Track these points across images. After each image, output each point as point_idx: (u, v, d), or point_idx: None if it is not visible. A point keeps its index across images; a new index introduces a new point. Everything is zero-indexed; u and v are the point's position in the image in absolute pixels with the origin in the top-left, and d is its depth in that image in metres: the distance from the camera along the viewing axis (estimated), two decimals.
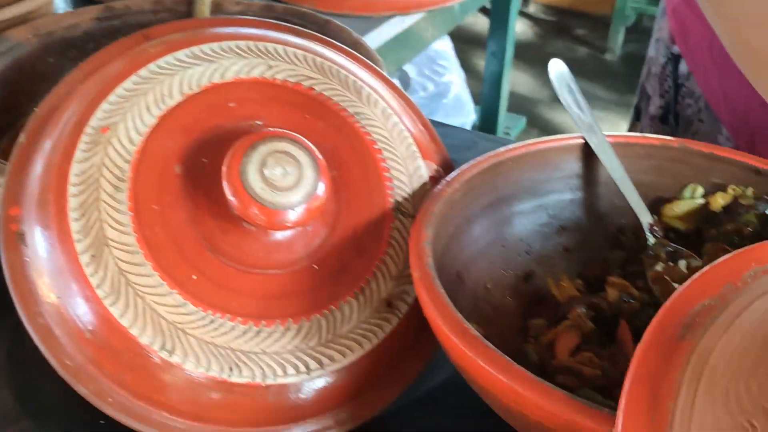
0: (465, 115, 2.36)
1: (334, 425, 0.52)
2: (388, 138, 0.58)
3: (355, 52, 0.62)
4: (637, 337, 0.56)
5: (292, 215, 0.50)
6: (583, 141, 0.63)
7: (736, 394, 0.35)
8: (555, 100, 0.83)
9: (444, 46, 2.33)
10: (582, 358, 0.53)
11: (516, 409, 0.42)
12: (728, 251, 0.58)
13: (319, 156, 0.51)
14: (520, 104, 2.96)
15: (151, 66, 0.55)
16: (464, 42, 3.38)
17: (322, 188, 0.51)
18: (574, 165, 0.64)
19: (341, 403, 0.53)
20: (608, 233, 0.65)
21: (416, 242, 0.51)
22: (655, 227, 0.60)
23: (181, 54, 0.56)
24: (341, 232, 0.54)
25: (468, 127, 2.34)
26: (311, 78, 0.58)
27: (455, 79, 2.30)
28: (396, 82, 2.19)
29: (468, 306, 0.57)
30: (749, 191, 0.61)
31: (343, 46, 0.62)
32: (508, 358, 0.42)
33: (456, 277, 0.57)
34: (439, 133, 0.92)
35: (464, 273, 0.58)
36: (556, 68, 0.67)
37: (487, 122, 2.47)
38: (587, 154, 0.64)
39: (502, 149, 0.61)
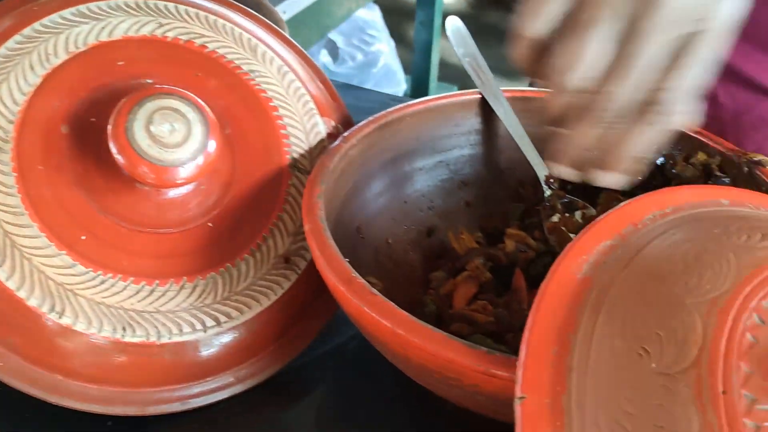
0: (395, 84, 2.36)
1: (235, 382, 0.53)
2: (284, 95, 0.58)
3: (252, 11, 0.61)
4: (532, 285, 0.58)
5: (182, 172, 0.49)
6: (482, 96, 0.64)
7: (632, 323, 0.36)
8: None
9: (373, 15, 2.32)
10: (477, 306, 0.54)
11: (401, 353, 0.43)
12: (621, 200, 0.60)
13: (210, 113, 0.51)
14: (452, 74, 2.98)
15: (36, 25, 0.54)
16: (394, 11, 3.36)
17: (212, 145, 0.50)
18: (473, 120, 0.65)
19: (242, 360, 0.53)
20: (509, 187, 0.66)
21: (309, 196, 0.51)
22: (551, 179, 0.62)
23: (66, 12, 0.55)
24: (236, 190, 0.54)
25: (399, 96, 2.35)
26: (204, 36, 0.57)
27: (384, 48, 2.29)
28: (324, 52, 2.17)
29: (368, 260, 0.57)
30: None
31: (238, 4, 0.61)
32: (390, 302, 0.43)
33: (355, 231, 0.57)
34: (355, 97, 0.93)
35: (364, 228, 0.58)
36: (452, 24, 0.67)
37: (418, 92, 2.47)
38: (486, 109, 0.65)
39: (401, 105, 0.62)
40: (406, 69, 2.52)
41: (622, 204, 0.44)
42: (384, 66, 2.25)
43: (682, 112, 0.45)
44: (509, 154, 0.66)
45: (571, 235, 0.59)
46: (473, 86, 0.65)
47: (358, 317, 0.44)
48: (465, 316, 0.53)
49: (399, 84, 2.34)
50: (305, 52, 0.62)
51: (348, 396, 0.56)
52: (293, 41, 0.62)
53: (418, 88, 2.45)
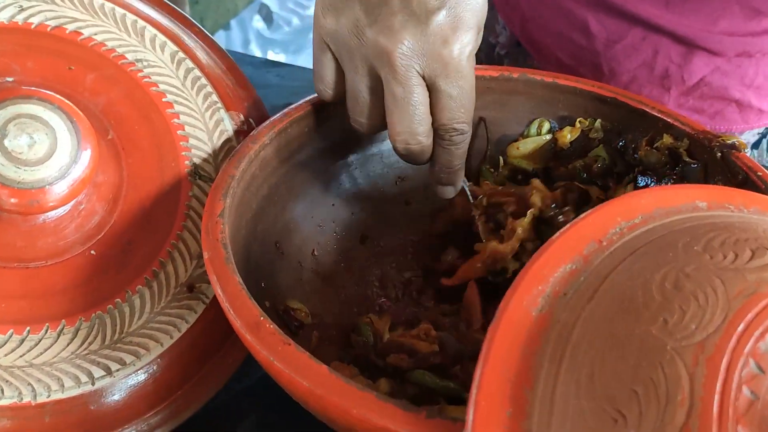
0: None
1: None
2: (179, 88, 0.49)
3: None
4: (486, 298, 0.50)
5: (50, 194, 0.40)
6: None
7: (602, 376, 0.29)
8: None
9: None
10: (419, 330, 0.46)
11: (322, 413, 0.35)
12: (580, 188, 0.53)
13: (81, 116, 0.42)
14: None
15: None
16: None
17: (86, 156, 0.41)
18: None
19: (145, 410, 0.44)
20: None
21: (209, 215, 0.42)
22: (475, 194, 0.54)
23: None
24: (125, 208, 0.45)
25: None
26: (77, 20, 0.47)
27: None
28: (257, 17, 2.05)
29: (290, 281, 0.49)
30: (597, 123, 0.55)
31: None
32: (305, 353, 0.34)
33: (274, 248, 0.49)
34: (275, 75, 0.83)
35: (284, 242, 0.50)
36: None
37: None
38: None
39: None
40: None
41: (582, 216, 0.37)
42: None
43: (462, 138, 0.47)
44: None
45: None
46: None
47: (269, 369, 0.36)
48: (403, 346, 0.45)
49: None
50: (206, 32, 0.53)
51: None
52: (191, 20, 0.53)
53: None
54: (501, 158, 0.57)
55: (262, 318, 0.36)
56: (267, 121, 0.49)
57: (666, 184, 0.52)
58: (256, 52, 1.93)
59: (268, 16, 2.11)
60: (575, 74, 0.71)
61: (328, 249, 0.53)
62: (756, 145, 0.75)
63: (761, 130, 0.73)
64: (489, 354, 0.32)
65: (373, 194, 0.56)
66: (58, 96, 0.41)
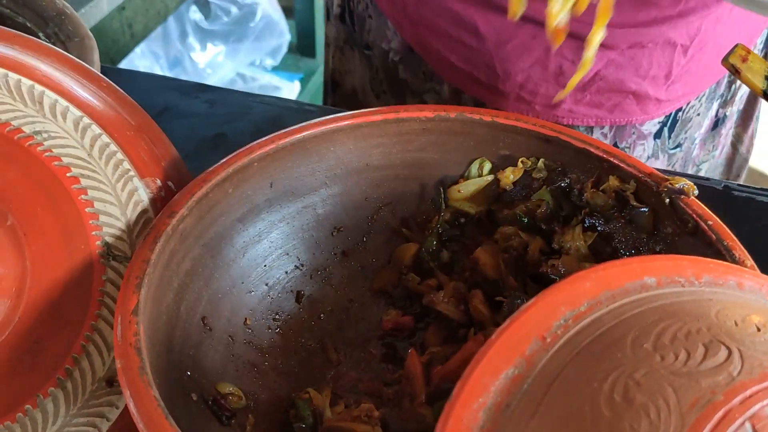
0: (278, 35, 2.18)
1: None
2: (85, 159, 0.44)
3: (31, 37, 0.47)
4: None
5: None
6: (352, 122, 0.52)
7: None
8: None
9: None
10: (360, 411, 0.43)
11: None
12: (520, 237, 0.50)
13: None
14: None
15: None
16: None
17: None
18: (338, 150, 0.52)
19: None
20: (388, 228, 0.55)
21: (121, 313, 0.38)
22: None
23: None
24: (30, 301, 0.41)
25: (284, 48, 2.17)
26: None
27: None
28: (194, 8, 1.97)
29: (220, 361, 0.46)
30: (540, 163, 0.52)
31: (9, 30, 0.46)
32: None
33: (201, 326, 0.46)
34: (204, 101, 0.79)
35: (212, 316, 0.46)
36: None
37: (305, 38, 2.30)
38: (355, 132, 0.52)
39: (246, 147, 0.49)
40: (288, 14, 2.34)
41: (523, 307, 0.34)
42: (263, 17, 2.06)
43: None
44: (389, 186, 0.54)
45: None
46: None
47: None
48: (344, 430, 0.42)
49: (282, 35, 2.16)
50: (114, 85, 0.48)
51: None
52: (96, 73, 0.48)
53: (305, 34, 2.28)
54: (443, 201, 0.54)
55: None
56: (184, 189, 0.45)
57: (614, 227, 0.50)
58: (195, 45, 1.86)
59: (205, 7, 2.04)
60: (470, 78, 0.69)
61: (261, 315, 0.50)
62: (658, 135, 0.74)
63: (661, 119, 0.72)
64: None
65: (308, 249, 0.53)
66: None
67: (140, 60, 1.77)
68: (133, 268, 0.41)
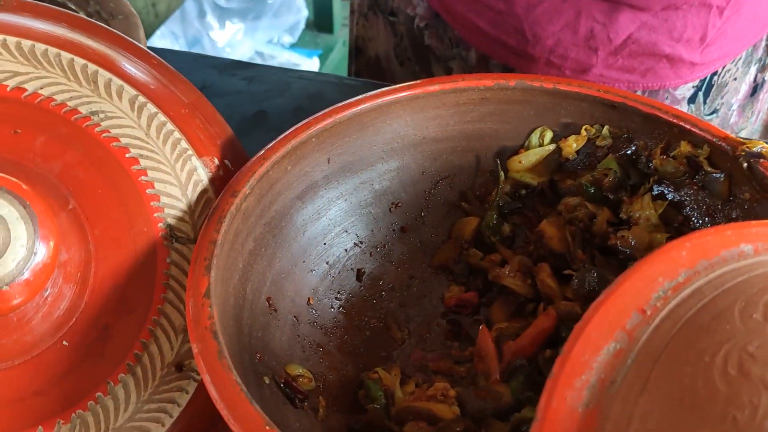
0: (295, 11, 2.15)
1: None
2: (144, 139, 0.43)
3: (83, 17, 0.45)
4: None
5: (8, 295, 0.35)
6: (409, 93, 0.50)
7: None
8: None
9: None
10: (435, 390, 0.42)
11: None
12: (586, 207, 0.49)
13: (34, 196, 0.36)
14: None
15: None
16: None
17: (45, 245, 0.36)
18: (396, 124, 0.51)
19: None
20: (448, 202, 0.53)
21: (193, 296, 0.37)
22: None
23: None
24: (96, 287, 0.40)
25: (301, 25, 2.15)
26: (18, 74, 0.41)
27: None
28: None
29: (286, 342, 0.45)
30: (605, 130, 0.50)
31: (54, 7, 0.45)
32: None
33: (266, 306, 0.44)
34: (242, 78, 0.77)
35: (277, 297, 0.45)
36: None
37: (322, 15, 2.27)
38: (412, 105, 0.51)
39: (303, 123, 0.47)
40: None
41: (619, 279, 0.32)
42: None
43: None
44: (447, 159, 0.53)
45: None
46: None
47: None
48: (421, 412, 0.41)
49: (299, 11, 2.14)
50: (165, 63, 0.47)
51: None
52: (146, 50, 0.47)
53: (322, 10, 2.25)
54: (502, 173, 0.52)
55: (268, 428, 0.32)
56: (244, 167, 0.44)
57: (685, 194, 0.48)
58: (214, 24, 1.84)
59: None
60: (498, 43, 0.67)
61: (323, 294, 0.48)
62: (692, 100, 0.72)
63: (696, 83, 0.70)
64: None
65: (366, 226, 0.51)
66: (4, 175, 0.36)
67: (159, 41, 1.75)
68: (200, 250, 0.39)
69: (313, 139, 0.47)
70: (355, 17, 0.86)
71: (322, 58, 2.13)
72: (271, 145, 0.46)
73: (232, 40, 1.90)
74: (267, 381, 0.40)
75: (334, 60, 2.16)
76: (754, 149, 0.44)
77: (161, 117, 0.44)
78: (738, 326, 0.30)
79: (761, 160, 0.44)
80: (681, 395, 0.28)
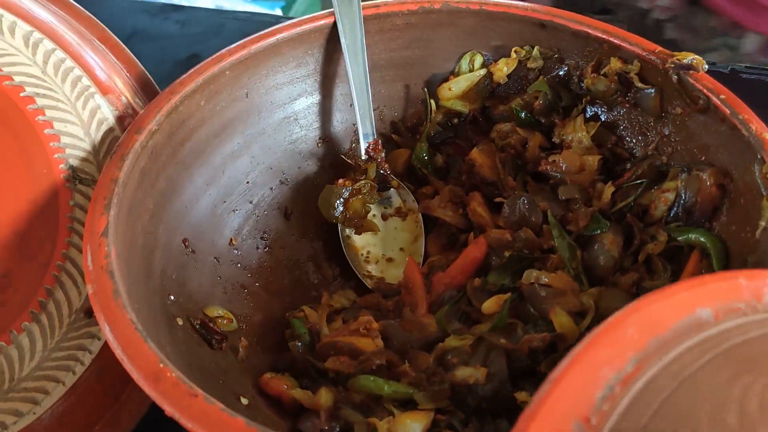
0: None
1: None
2: (40, 77, 0.41)
3: None
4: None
5: None
6: (330, 21, 0.48)
7: None
8: None
9: None
10: (358, 323, 0.41)
11: None
12: (518, 133, 0.47)
13: None
14: None
15: None
16: None
17: None
18: (318, 55, 0.49)
19: None
20: (380, 134, 0.51)
21: (89, 235, 0.35)
22: (375, 148, 0.48)
23: None
24: None
25: None
26: None
27: None
28: None
29: (206, 283, 0.43)
30: (536, 51, 0.48)
31: None
32: (216, 404, 0.29)
33: (183, 247, 0.42)
34: (174, 21, 0.74)
35: (194, 238, 0.43)
36: None
37: None
38: (335, 36, 0.48)
39: (216, 55, 0.45)
40: None
41: (555, 374, 0.25)
42: None
43: None
44: (374, 89, 0.50)
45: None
46: None
47: (178, 422, 0.30)
48: (343, 346, 0.39)
49: None
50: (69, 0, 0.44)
51: None
52: None
53: None
54: (432, 102, 0.50)
55: (162, 365, 0.30)
56: (151, 103, 0.42)
57: (618, 113, 0.46)
58: None
59: None
60: None
61: (248, 235, 0.47)
62: None
63: None
64: None
65: (293, 162, 0.49)
66: None
67: None
68: (100, 189, 0.37)
69: (227, 72, 0.45)
70: None
71: (285, 10, 2.08)
72: (180, 79, 0.43)
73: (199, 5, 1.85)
74: (180, 323, 0.39)
75: (299, 10, 2.11)
76: (684, 61, 0.43)
77: (59, 54, 0.42)
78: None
79: (691, 72, 0.42)
80: None
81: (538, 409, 0.24)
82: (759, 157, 0.37)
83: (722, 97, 0.41)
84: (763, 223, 0.36)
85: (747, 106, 0.40)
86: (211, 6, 1.90)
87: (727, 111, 0.40)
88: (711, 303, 0.27)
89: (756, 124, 0.39)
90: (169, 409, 0.29)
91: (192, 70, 0.44)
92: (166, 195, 0.42)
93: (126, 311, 0.32)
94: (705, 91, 0.41)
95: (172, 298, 0.39)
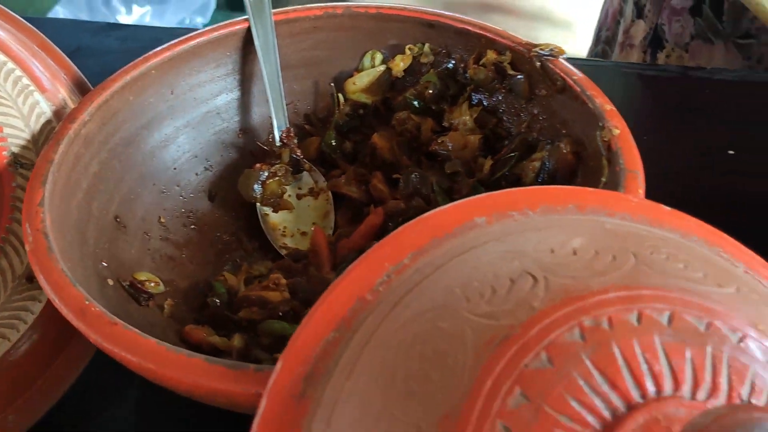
0: None
1: None
2: None
3: None
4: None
5: None
6: (244, 26, 0.54)
7: None
8: None
9: None
10: (270, 280, 0.47)
11: (162, 383, 0.36)
12: (413, 119, 0.54)
13: None
14: None
15: None
16: None
17: None
18: (235, 57, 0.55)
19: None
20: (294, 125, 0.58)
21: (28, 205, 0.41)
22: (288, 136, 0.54)
23: None
24: None
25: (212, 5, 2.16)
26: None
27: None
28: None
29: (136, 254, 0.49)
30: (426, 48, 0.56)
31: None
32: (133, 330, 0.35)
33: (114, 222, 0.48)
34: (115, 38, 0.80)
35: (125, 215, 0.49)
36: None
37: None
38: (250, 40, 0.55)
39: (143, 57, 0.51)
40: None
41: (349, 268, 0.30)
42: None
43: None
44: (288, 86, 0.57)
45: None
46: None
47: (104, 351, 0.36)
48: (255, 299, 0.45)
49: None
50: (5, 9, 0.50)
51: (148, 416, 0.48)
52: None
53: None
54: (340, 95, 0.57)
55: (87, 302, 0.36)
56: (84, 97, 0.48)
57: (497, 98, 0.53)
58: (120, 8, 1.85)
59: None
60: None
61: (175, 214, 0.53)
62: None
63: None
64: None
65: (216, 151, 0.56)
66: None
67: None
68: (38, 169, 0.43)
69: (153, 72, 0.51)
70: None
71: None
72: (111, 77, 0.50)
73: (140, 24, 1.91)
74: (111, 283, 0.44)
75: None
76: (544, 51, 0.50)
77: (1, 57, 0.48)
78: (439, 303, 0.28)
79: (551, 59, 0.50)
80: (377, 378, 0.27)
81: (331, 291, 0.29)
82: (600, 125, 0.44)
83: (575, 78, 0.48)
84: (604, 179, 0.43)
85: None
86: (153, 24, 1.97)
87: (578, 89, 0.47)
88: (487, 212, 0.31)
89: (600, 98, 0.46)
90: (93, 337, 0.35)
91: (121, 70, 0.50)
92: (99, 177, 0.48)
93: (58, 264, 0.38)
94: (561, 74, 0.48)
95: (104, 264, 0.45)
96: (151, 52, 0.52)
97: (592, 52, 1.00)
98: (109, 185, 0.49)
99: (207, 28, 0.54)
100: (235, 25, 0.54)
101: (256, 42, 0.54)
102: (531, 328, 0.27)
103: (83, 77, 0.52)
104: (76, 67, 0.52)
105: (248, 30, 0.54)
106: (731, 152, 0.61)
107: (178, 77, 0.53)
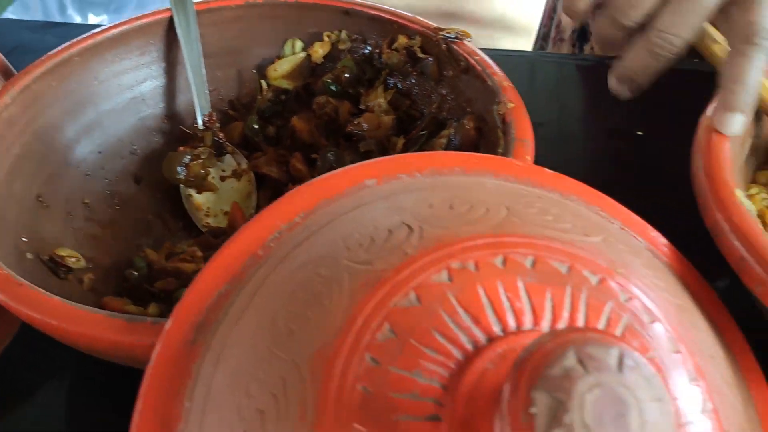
0: (161, 0, 2.18)
1: None
2: None
3: None
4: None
5: None
6: (167, 15, 0.56)
7: (238, 406, 0.28)
8: None
9: None
10: (186, 254, 0.49)
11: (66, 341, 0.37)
12: (331, 103, 0.56)
13: None
14: None
15: None
16: None
17: None
18: (159, 46, 0.57)
19: None
20: (219, 111, 0.60)
21: None
22: (210, 120, 0.56)
23: None
24: None
25: None
26: None
27: None
28: None
29: (58, 231, 0.50)
30: (344, 34, 0.58)
31: None
32: (38, 290, 0.36)
33: (37, 201, 0.50)
34: (54, 36, 0.82)
35: (48, 195, 0.51)
36: None
37: None
38: (172, 28, 0.57)
39: (66, 44, 0.53)
40: None
41: (243, 225, 0.33)
42: None
43: None
44: (212, 74, 0.59)
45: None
46: None
47: (14, 312, 0.38)
48: (171, 270, 0.47)
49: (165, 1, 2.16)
50: None
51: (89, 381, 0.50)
52: None
53: None
54: (263, 82, 0.59)
55: (2, 271, 0.38)
56: (6, 83, 0.50)
57: (410, 81, 0.56)
58: (75, 17, 1.85)
59: None
60: None
61: (100, 196, 0.54)
62: None
63: None
64: (145, 391, 0.29)
65: (142, 136, 0.57)
66: None
67: None
68: None
69: (76, 58, 0.53)
70: None
71: None
72: (34, 63, 0.51)
73: None
74: (30, 257, 0.46)
75: None
76: (450, 34, 0.53)
77: None
78: (321, 253, 0.30)
79: (456, 41, 0.52)
80: (261, 323, 0.29)
81: (226, 247, 0.32)
82: (497, 100, 0.47)
83: (476, 58, 0.51)
84: (500, 150, 0.46)
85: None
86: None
87: (479, 68, 0.50)
88: (377, 174, 0.34)
89: (498, 76, 0.49)
90: (1, 297, 0.37)
91: (44, 56, 0.52)
92: (21, 158, 0.49)
93: None
94: (465, 54, 0.51)
95: (25, 239, 0.47)
96: (74, 40, 0.53)
97: (534, 48, 1.04)
98: (32, 166, 0.50)
99: (132, 17, 0.56)
100: (159, 14, 0.56)
101: (178, 30, 0.56)
102: (402, 271, 0.29)
103: (9, 65, 0.54)
104: (2, 56, 0.53)
105: (171, 19, 0.56)
106: (640, 133, 0.64)
107: (101, 64, 0.55)
